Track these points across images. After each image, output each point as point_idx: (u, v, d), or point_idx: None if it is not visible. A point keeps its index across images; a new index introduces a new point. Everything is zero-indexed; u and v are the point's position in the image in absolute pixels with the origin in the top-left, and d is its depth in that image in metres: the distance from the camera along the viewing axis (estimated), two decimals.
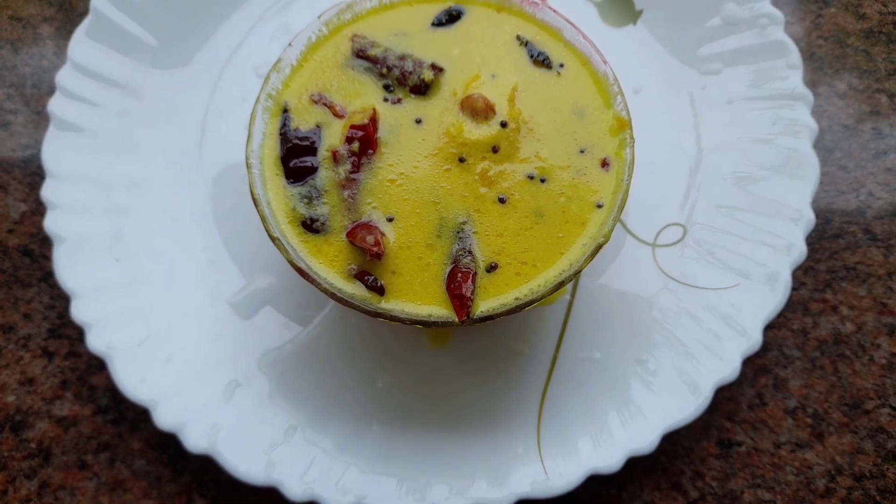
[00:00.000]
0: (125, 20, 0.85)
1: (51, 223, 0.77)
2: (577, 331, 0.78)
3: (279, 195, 0.66)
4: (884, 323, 0.79)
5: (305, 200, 0.66)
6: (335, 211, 0.66)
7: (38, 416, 0.78)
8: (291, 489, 0.70)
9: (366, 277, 0.63)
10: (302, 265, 0.63)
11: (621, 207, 0.65)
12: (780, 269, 0.74)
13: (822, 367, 0.78)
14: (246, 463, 0.71)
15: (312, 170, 0.67)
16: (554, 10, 0.71)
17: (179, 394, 0.73)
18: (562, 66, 0.71)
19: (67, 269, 0.76)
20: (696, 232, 0.80)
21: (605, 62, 0.69)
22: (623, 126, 0.68)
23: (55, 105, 0.80)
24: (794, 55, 0.82)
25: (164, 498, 0.76)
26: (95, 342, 0.73)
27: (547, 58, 0.71)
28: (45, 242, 0.84)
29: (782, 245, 0.75)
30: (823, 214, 0.83)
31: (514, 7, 0.72)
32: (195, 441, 0.71)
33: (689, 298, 0.77)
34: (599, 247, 0.64)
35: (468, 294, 0.62)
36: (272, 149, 0.68)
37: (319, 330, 0.78)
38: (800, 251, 0.75)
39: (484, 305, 0.63)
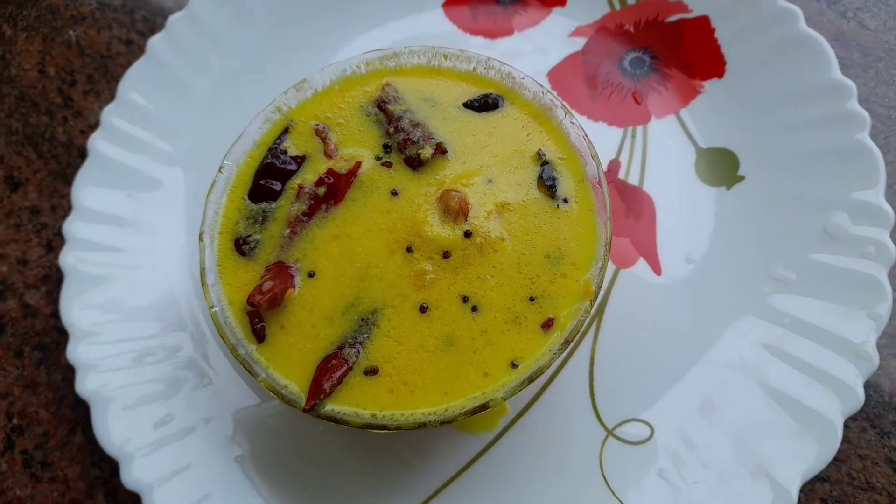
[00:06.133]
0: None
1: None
2: (474, 480, 0.68)
3: (233, 205, 0.66)
4: None
5: (251, 220, 0.65)
6: (269, 243, 0.63)
7: (12, 293, 0.85)
8: None
9: (255, 319, 0.60)
10: (211, 277, 0.62)
11: (531, 379, 0.56)
12: None
13: None
14: None
15: (274, 195, 0.65)
16: (587, 140, 0.63)
17: None
18: (566, 201, 0.62)
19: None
20: (664, 443, 0.67)
21: (608, 219, 0.60)
22: (587, 295, 0.58)
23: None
24: (887, 304, 0.65)
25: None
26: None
27: (554, 186, 0.62)
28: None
29: None
30: None
31: (554, 120, 0.65)
32: None
33: None
34: (484, 407, 0.55)
35: (326, 386, 0.57)
36: (255, 158, 0.67)
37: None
38: None
39: (337, 406, 0.57)
